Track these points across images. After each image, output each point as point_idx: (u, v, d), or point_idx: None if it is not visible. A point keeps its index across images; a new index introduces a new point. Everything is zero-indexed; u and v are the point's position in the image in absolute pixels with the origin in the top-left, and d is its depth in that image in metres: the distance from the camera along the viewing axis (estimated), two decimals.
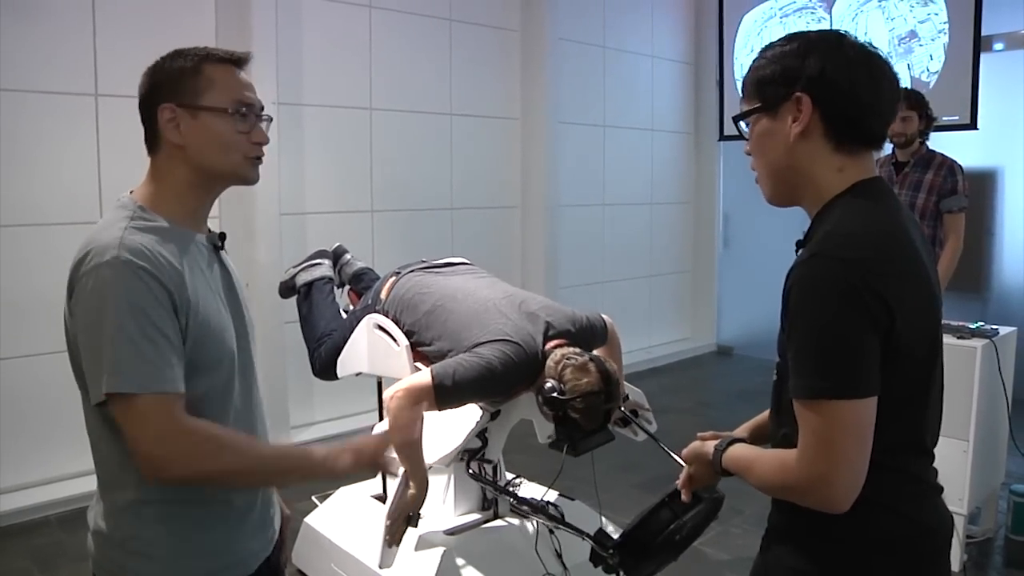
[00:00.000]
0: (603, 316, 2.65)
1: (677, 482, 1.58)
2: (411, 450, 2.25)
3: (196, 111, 1.40)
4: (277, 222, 4.59)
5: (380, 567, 2.29)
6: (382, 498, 3.04)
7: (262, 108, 1.50)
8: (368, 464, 1.53)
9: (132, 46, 4.02)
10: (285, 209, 4.66)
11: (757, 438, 1.56)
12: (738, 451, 1.41)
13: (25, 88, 3.83)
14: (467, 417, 2.51)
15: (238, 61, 1.47)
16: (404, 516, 2.25)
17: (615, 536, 2.07)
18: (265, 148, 1.50)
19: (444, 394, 2.26)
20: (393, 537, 2.26)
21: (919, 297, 1.24)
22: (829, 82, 1.27)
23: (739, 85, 5.93)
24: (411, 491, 2.23)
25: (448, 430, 2.52)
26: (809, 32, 1.32)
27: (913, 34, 5.79)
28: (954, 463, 3.09)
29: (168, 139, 1.41)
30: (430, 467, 2.36)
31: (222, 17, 4.42)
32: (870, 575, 1.27)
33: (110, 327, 1.26)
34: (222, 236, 1.54)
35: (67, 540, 3.55)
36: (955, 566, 3.14)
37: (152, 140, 1.44)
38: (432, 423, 2.40)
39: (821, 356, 1.18)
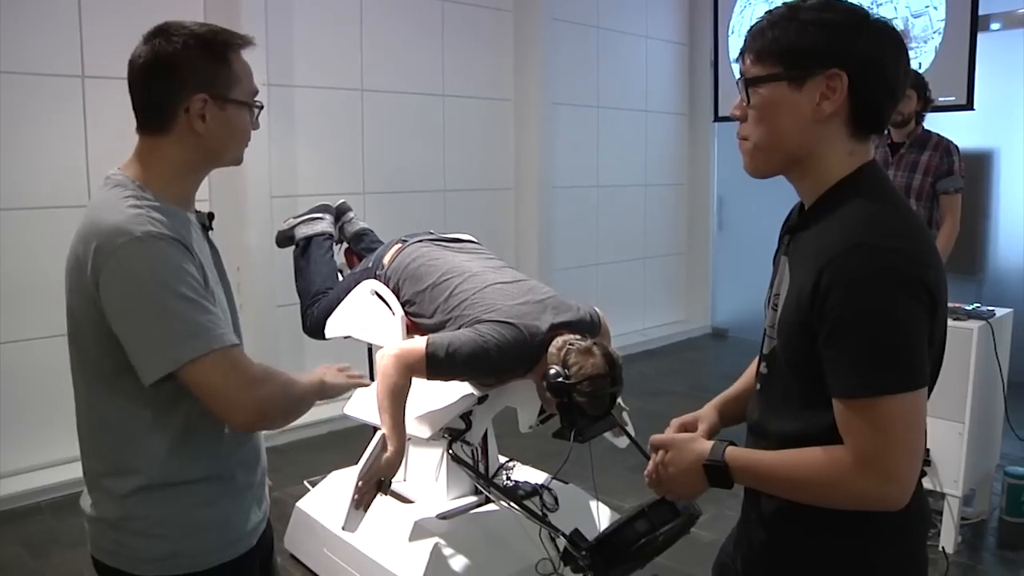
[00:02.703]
0: (596, 309, 2.63)
1: (646, 476, 1.42)
2: (394, 411, 2.24)
3: (225, 103, 1.41)
4: (268, 205, 4.55)
5: (344, 529, 2.22)
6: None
7: None
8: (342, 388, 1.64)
9: (119, 26, 3.95)
10: (276, 192, 4.62)
11: (726, 423, 1.54)
12: (744, 458, 1.28)
13: (10, 70, 3.77)
14: (455, 393, 2.49)
15: (248, 45, 1.47)
16: (376, 480, 2.19)
17: (591, 538, 2.08)
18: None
19: (435, 364, 2.25)
20: (362, 500, 2.19)
21: (946, 284, 1.21)
22: (875, 68, 1.20)
23: (735, 66, 5.87)
24: (387, 455, 2.19)
25: (434, 404, 2.50)
26: (852, 5, 1.23)
27: (904, 32, 5.68)
28: (949, 445, 3.08)
29: (189, 127, 1.39)
30: (410, 437, 2.32)
31: None
32: (868, 566, 1.25)
33: (166, 297, 1.28)
34: (211, 216, 1.54)
35: (59, 526, 3.53)
36: (949, 547, 3.16)
37: (160, 122, 1.40)
38: (419, 395, 2.37)
39: (885, 350, 1.12)
